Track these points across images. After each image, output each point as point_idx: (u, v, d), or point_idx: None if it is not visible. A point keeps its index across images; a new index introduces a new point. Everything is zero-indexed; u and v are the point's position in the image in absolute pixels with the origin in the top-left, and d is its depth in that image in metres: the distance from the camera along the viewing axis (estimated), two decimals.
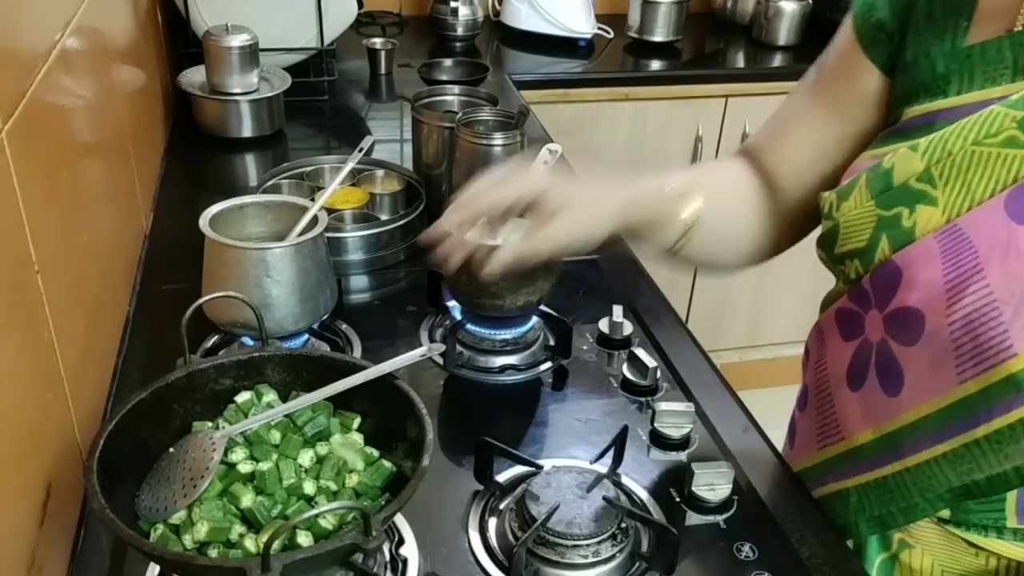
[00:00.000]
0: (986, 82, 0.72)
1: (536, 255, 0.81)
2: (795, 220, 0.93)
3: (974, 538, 0.80)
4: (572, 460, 0.90)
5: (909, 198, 0.73)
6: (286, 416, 0.77)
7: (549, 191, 0.80)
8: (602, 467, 0.87)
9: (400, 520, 0.81)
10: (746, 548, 0.82)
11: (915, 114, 0.77)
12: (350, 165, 1.16)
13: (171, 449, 0.75)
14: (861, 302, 0.80)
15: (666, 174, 0.88)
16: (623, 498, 0.82)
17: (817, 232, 0.87)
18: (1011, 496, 0.75)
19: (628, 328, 1.09)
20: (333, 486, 0.74)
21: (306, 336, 1.04)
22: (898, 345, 0.75)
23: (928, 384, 0.72)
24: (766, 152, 0.93)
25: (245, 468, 0.73)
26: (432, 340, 1.09)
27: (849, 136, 0.86)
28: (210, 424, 0.78)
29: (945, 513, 0.79)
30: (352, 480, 0.74)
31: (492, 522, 0.83)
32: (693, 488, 0.85)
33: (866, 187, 0.77)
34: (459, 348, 1.05)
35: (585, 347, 1.09)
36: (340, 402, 0.79)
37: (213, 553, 0.68)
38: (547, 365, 1.05)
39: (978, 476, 0.72)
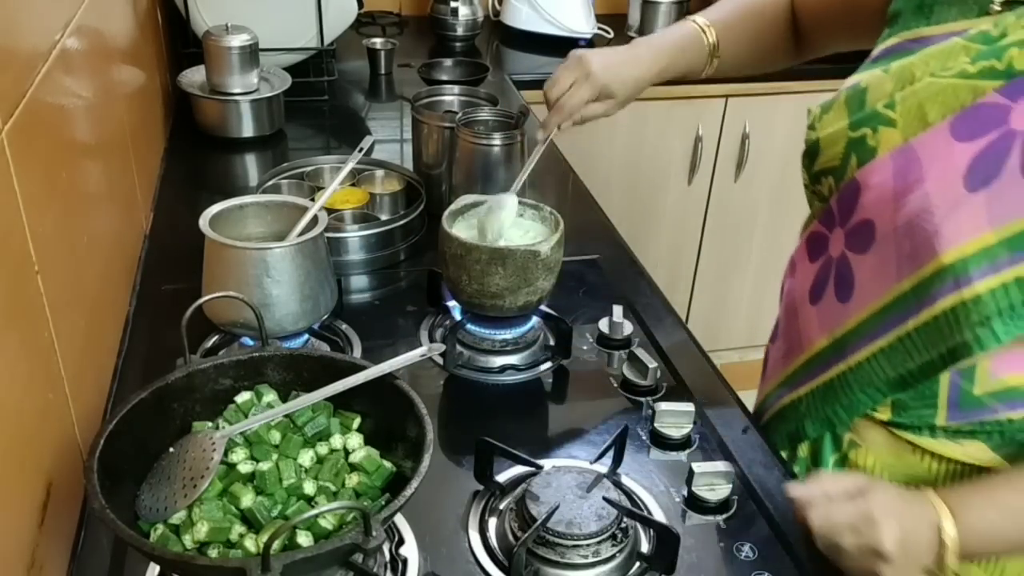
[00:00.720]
0: (959, 15, 0.82)
1: (587, 120, 1.13)
2: (806, 46, 1.12)
3: (911, 437, 0.85)
4: (572, 460, 0.90)
5: (874, 120, 0.82)
6: (286, 416, 0.77)
7: (598, 91, 1.08)
8: (602, 467, 0.87)
9: (400, 520, 0.81)
10: (746, 548, 0.82)
11: (901, 39, 0.85)
12: (350, 165, 1.16)
13: (171, 449, 0.75)
14: (828, 222, 0.88)
15: (686, 25, 1.11)
16: (623, 498, 0.82)
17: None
18: (941, 396, 0.82)
19: (628, 328, 1.09)
20: (333, 486, 0.74)
21: (306, 336, 1.04)
22: (853, 255, 0.84)
23: (874, 287, 0.81)
24: None
25: (245, 468, 0.73)
26: (432, 340, 1.09)
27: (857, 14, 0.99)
28: (210, 424, 0.78)
29: (885, 415, 0.86)
30: (352, 480, 0.74)
31: (492, 522, 0.83)
32: (693, 488, 0.85)
33: (844, 104, 0.86)
34: (459, 348, 1.05)
35: (585, 347, 1.09)
36: (340, 402, 0.79)
37: (213, 553, 0.68)
38: (547, 365, 1.05)
39: (911, 365, 0.80)
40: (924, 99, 0.78)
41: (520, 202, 1.07)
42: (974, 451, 0.83)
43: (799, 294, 0.93)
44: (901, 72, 0.81)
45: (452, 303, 1.09)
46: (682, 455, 0.93)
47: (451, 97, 1.43)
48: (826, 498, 0.78)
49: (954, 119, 0.76)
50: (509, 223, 1.04)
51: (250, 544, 0.68)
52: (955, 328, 0.75)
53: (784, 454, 0.96)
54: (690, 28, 1.11)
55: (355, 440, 0.78)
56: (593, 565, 0.77)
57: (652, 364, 1.00)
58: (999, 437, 0.82)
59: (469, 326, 1.06)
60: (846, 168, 0.84)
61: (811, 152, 0.89)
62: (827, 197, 0.88)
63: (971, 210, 0.73)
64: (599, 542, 0.77)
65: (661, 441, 0.94)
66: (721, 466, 0.86)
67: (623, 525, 0.79)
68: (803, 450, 0.96)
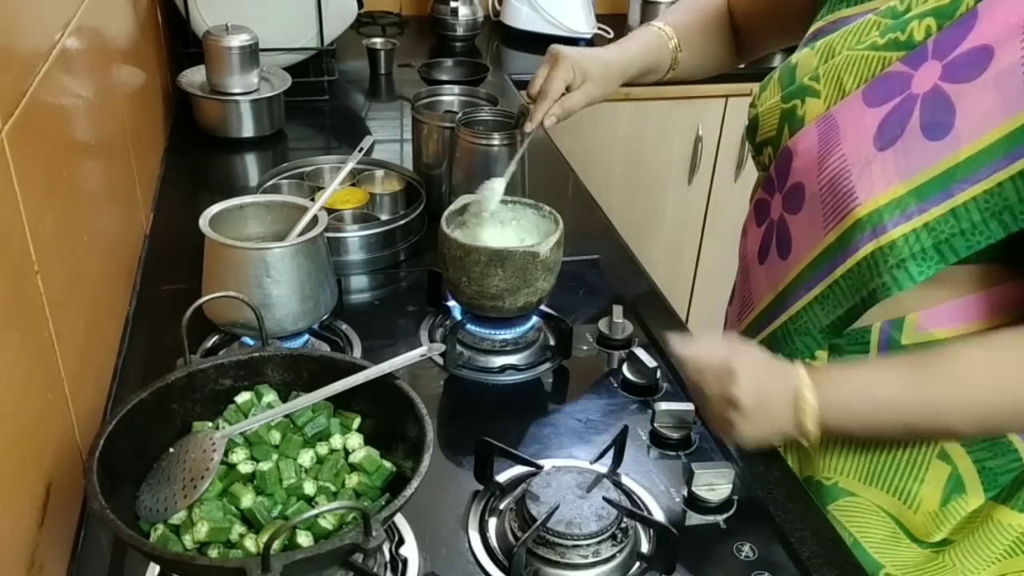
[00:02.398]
0: None
1: (572, 111, 1.13)
2: (745, 48, 1.23)
3: None
4: (572, 460, 0.90)
5: (802, 92, 0.90)
6: (286, 416, 0.77)
7: (572, 71, 1.11)
8: (602, 467, 0.87)
9: (400, 520, 0.81)
10: (746, 548, 0.82)
11: (827, 21, 0.94)
12: (350, 165, 1.16)
13: (171, 449, 0.75)
14: (769, 189, 0.96)
15: (649, 28, 1.20)
16: (623, 498, 0.82)
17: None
18: (872, 345, 0.87)
19: (628, 328, 1.09)
20: (333, 486, 0.74)
21: (306, 336, 1.04)
22: (789, 216, 0.91)
23: (807, 242, 0.88)
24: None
25: (245, 468, 0.74)
26: (432, 340, 1.09)
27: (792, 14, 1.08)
28: (210, 424, 0.78)
29: (824, 361, 0.91)
30: (352, 480, 0.74)
31: (492, 522, 0.83)
32: (693, 488, 0.85)
33: (778, 81, 0.95)
34: (459, 348, 1.05)
35: (585, 347, 1.09)
36: (340, 402, 0.80)
37: (213, 553, 0.68)
38: (547, 365, 1.05)
39: (839, 311, 0.86)
40: (842, 71, 0.87)
41: (519, 202, 1.07)
42: None
43: (750, 256, 0.99)
44: (824, 48, 0.90)
45: (452, 303, 1.09)
46: (682, 455, 0.93)
47: (451, 97, 1.43)
48: (700, 349, 0.86)
49: (866, 87, 0.84)
50: (497, 198, 1.06)
51: (250, 544, 0.68)
52: (874, 272, 0.81)
53: None
54: (653, 31, 1.19)
55: (355, 440, 0.78)
56: (593, 565, 0.77)
57: (652, 364, 1.00)
58: None
59: (469, 326, 1.06)
60: (781, 138, 0.93)
61: (752, 126, 0.99)
62: (767, 166, 0.96)
63: (881, 166, 0.80)
64: (599, 542, 0.77)
65: (661, 441, 0.94)
66: (721, 466, 0.86)
67: (623, 525, 0.79)
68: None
